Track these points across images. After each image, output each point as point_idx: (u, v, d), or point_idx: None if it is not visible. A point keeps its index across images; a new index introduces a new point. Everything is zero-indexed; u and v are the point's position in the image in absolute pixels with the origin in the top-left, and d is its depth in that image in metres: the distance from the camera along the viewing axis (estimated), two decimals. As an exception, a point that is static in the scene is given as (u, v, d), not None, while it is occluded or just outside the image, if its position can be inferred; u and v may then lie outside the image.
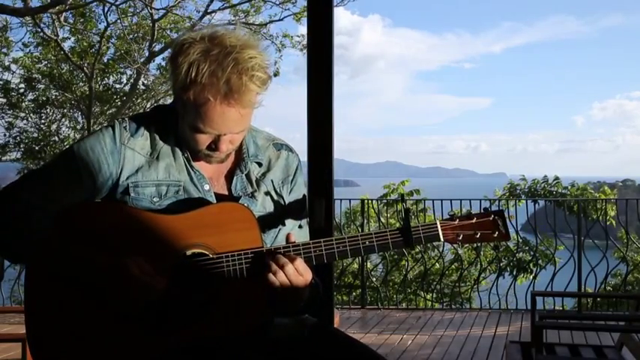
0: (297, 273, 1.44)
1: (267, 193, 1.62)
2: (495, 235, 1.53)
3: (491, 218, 1.53)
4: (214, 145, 1.50)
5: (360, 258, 6.96)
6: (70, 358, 1.43)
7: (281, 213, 1.64)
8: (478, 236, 1.52)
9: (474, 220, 1.52)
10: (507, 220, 1.58)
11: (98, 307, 1.42)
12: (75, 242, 1.42)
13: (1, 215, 1.44)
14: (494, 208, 1.53)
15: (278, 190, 1.65)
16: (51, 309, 1.44)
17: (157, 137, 1.55)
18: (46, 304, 1.44)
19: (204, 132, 1.47)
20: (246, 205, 1.55)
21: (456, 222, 1.52)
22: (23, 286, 1.49)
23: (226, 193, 1.59)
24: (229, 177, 1.61)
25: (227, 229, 1.47)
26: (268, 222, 1.61)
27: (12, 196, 1.47)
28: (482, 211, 1.55)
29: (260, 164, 1.64)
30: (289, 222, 1.66)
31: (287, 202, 1.66)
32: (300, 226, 1.68)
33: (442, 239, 1.51)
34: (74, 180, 1.48)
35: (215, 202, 1.55)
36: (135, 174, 1.51)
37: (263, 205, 1.61)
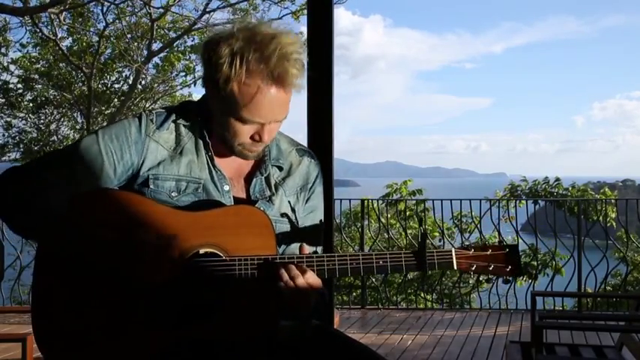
0: (308, 285, 1.44)
1: (283, 214, 1.60)
2: (508, 270, 1.55)
3: (505, 252, 1.55)
4: (258, 136, 1.51)
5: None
6: (74, 349, 1.43)
7: (293, 226, 1.62)
8: (491, 269, 1.54)
9: (488, 252, 1.55)
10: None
11: (106, 296, 1.41)
12: (89, 227, 1.40)
13: (19, 188, 1.43)
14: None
15: (294, 199, 1.64)
16: (58, 298, 1.42)
17: (183, 133, 1.56)
18: (54, 292, 1.42)
19: (251, 121, 1.47)
20: (262, 208, 1.54)
21: (471, 252, 1.54)
22: (25, 285, 1.48)
23: (244, 195, 1.59)
24: (248, 179, 1.61)
25: (243, 232, 1.46)
26: (282, 235, 1.59)
27: (32, 172, 1.46)
28: (497, 242, 1.58)
29: (281, 168, 1.64)
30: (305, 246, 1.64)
31: (302, 211, 1.66)
32: (315, 252, 1.67)
33: (455, 267, 1.53)
34: (95, 164, 1.48)
35: (233, 203, 1.54)
36: (156, 166, 1.51)
37: (279, 211, 1.60)
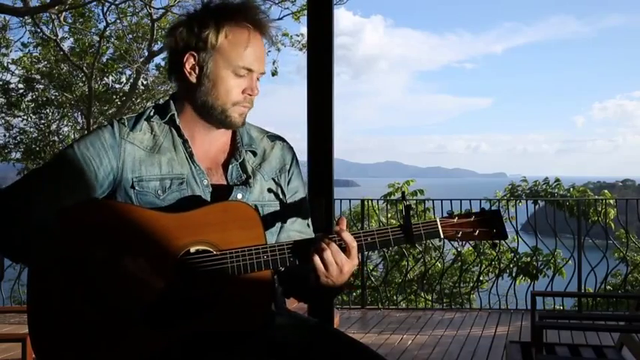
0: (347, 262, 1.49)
1: (270, 190, 1.65)
2: (493, 233, 1.57)
3: (488, 217, 1.57)
4: (250, 90, 1.59)
5: (360, 258, 6.95)
6: (71, 353, 1.44)
7: (282, 207, 1.67)
8: (477, 234, 1.55)
9: (472, 219, 1.56)
10: (508, 221, 1.60)
11: (100, 303, 1.42)
12: (79, 238, 1.42)
13: (3, 212, 1.44)
14: (494, 208, 1.59)
15: (276, 179, 1.68)
16: (53, 305, 1.44)
17: (157, 131, 1.59)
18: (48, 300, 1.44)
19: (245, 69, 1.56)
20: (241, 195, 1.59)
21: (455, 220, 1.55)
22: (25, 285, 1.49)
23: (224, 182, 1.62)
24: (225, 166, 1.64)
25: (231, 226, 1.48)
26: (271, 218, 1.64)
27: (13, 193, 1.48)
28: (480, 210, 1.60)
29: (255, 153, 1.68)
30: (298, 221, 1.69)
31: (286, 193, 1.70)
32: (308, 225, 1.72)
33: (442, 235, 1.54)
34: (75, 176, 1.50)
35: (211, 195, 1.58)
36: (138, 169, 1.54)
37: (261, 195, 1.64)
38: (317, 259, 1.46)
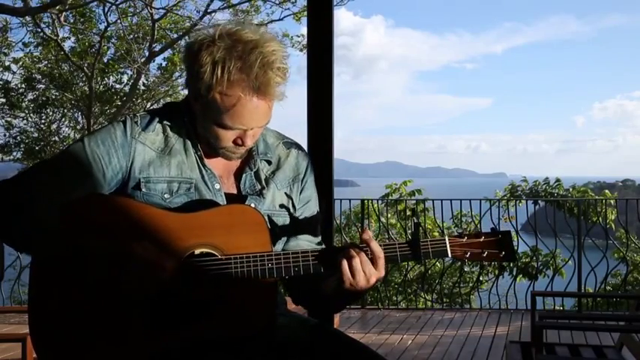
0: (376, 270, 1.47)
1: (282, 206, 1.62)
2: (502, 255, 1.54)
3: (498, 238, 1.55)
4: (240, 141, 1.51)
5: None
6: (72, 353, 1.43)
7: (292, 219, 1.64)
8: (485, 255, 1.53)
9: (482, 239, 1.54)
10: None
11: (100, 301, 1.42)
12: (82, 233, 1.41)
13: (7, 202, 1.42)
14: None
15: (288, 191, 1.65)
16: (53, 304, 1.43)
17: (170, 133, 1.56)
18: (48, 299, 1.43)
19: (232, 128, 1.48)
20: (253, 204, 1.56)
21: (465, 239, 1.53)
22: (25, 285, 1.49)
23: (235, 191, 1.60)
24: (238, 175, 1.61)
25: (237, 230, 1.47)
26: (279, 227, 1.61)
27: (19, 184, 1.46)
28: (490, 229, 1.58)
29: (269, 162, 1.65)
30: (307, 237, 1.67)
31: (298, 203, 1.67)
32: (319, 244, 1.69)
33: (450, 255, 1.52)
34: (83, 171, 1.48)
35: (224, 201, 1.55)
36: (147, 169, 1.51)
37: (273, 204, 1.61)
38: (345, 266, 1.44)
